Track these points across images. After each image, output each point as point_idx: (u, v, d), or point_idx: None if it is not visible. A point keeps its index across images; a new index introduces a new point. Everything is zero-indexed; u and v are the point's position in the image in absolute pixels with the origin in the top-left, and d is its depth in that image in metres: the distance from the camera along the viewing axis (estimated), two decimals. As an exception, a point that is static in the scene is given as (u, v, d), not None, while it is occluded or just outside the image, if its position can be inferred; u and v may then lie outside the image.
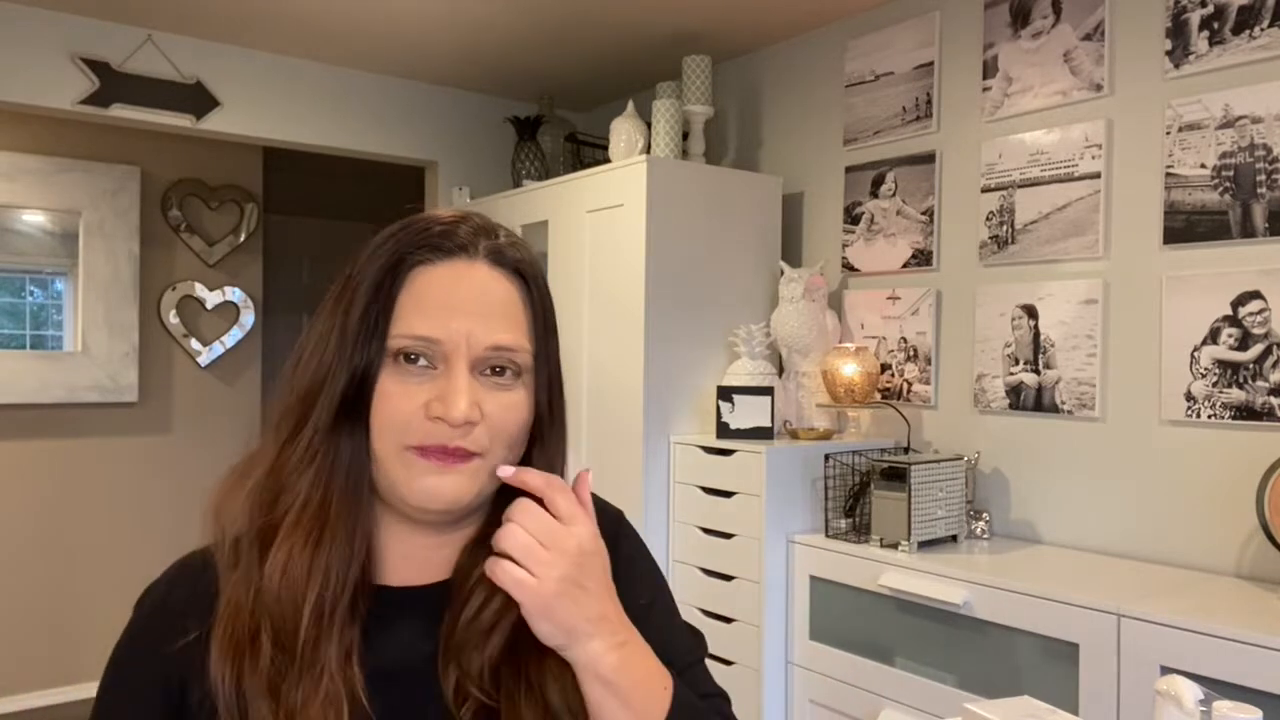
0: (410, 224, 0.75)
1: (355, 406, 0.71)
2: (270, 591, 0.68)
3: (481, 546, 0.75)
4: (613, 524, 0.86)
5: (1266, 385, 1.84)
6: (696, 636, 0.89)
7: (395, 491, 0.71)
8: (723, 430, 2.39)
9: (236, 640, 0.68)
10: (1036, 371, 2.23)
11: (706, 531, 2.40)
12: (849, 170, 2.71)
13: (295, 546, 0.69)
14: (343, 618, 0.69)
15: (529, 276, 0.76)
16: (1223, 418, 1.90)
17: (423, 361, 0.71)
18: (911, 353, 2.52)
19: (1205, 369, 1.93)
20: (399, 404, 0.70)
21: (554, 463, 0.78)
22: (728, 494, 2.33)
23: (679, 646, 0.84)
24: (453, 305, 0.71)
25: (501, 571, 0.68)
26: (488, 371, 0.72)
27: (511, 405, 0.73)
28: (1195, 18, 1.96)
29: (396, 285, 0.72)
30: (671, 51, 3.03)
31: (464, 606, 0.73)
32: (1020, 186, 2.27)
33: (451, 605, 0.74)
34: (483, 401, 0.71)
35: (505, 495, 0.74)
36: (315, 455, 0.71)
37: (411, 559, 0.76)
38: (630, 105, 2.80)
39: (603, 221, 2.65)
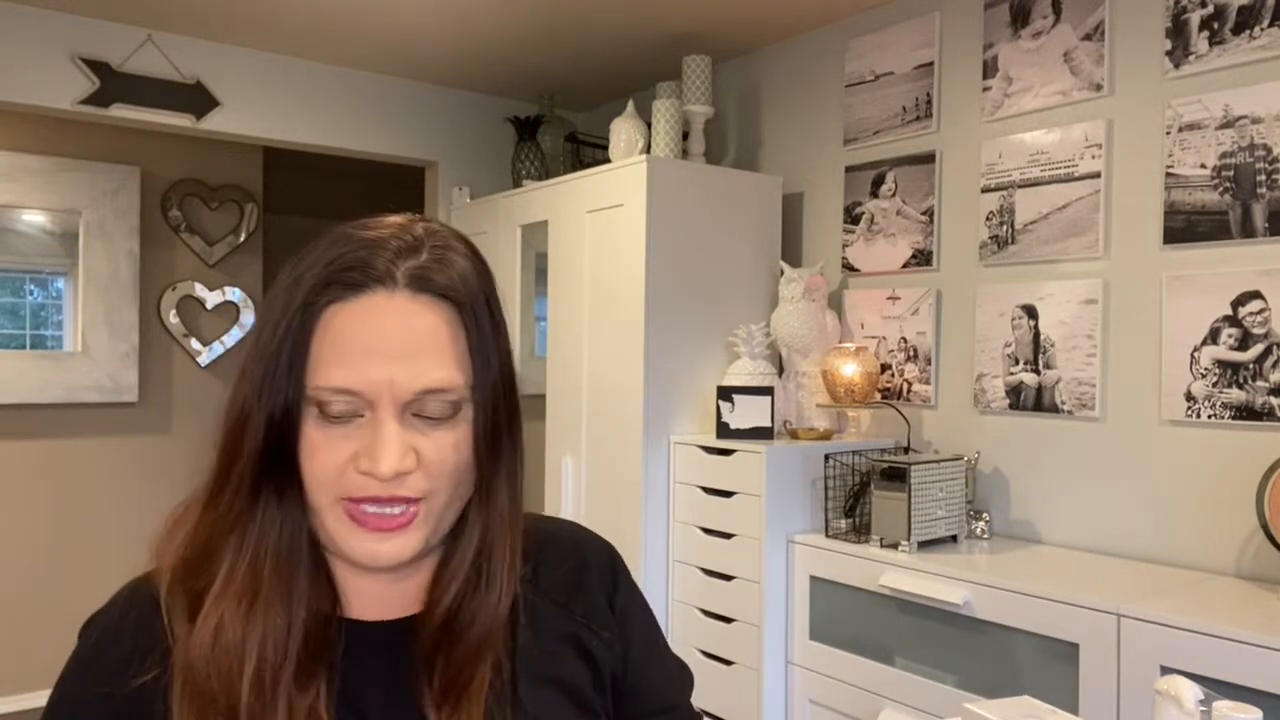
0: (324, 250, 0.67)
1: (280, 458, 0.66)
2: (200, 664, 0.64)
3: (451, 582, 0.72)
4: (609, 563, 0.86)
5: (1266, 385, 1.84)
6: (682, 676, 0.90)
7: (336, 548, 0.67)
8: (723, 430, 2.39)
9: (199, 699, 0.64)
10: (1036, 371, 2.23)
11: (706, 531, 2.40)
12: (849, 170, 2.71)
13: (226, 614, 0.64)
14: (288, 686, 0.65)
15: (458, 301, 0.67)
16: (1223, 418, 1.90)
17: (347, 412, 0.65)
18: (911, 353, 2.52)
19: (1205, 369, 1.93)
20: (326, 457, 0.65)
21: (496, 500, 0.72)
22: (728, 494, 2.33)
23: (666, 691, 0.86)
24: (371, 349, 0.64)
25: None
26: (420, 414, 0.66)
27: (450, 445, 0.67)
28: (1195, 18, 1.96)
29: (307, 329, 0.65)
30: (671, 51, 3.03)
31: (449, 647, 0.71)
32: (1020, 186, 2.27)
33: (423, 645, 0.71)
34: (419, 447, 0.66)
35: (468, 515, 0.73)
36: (240, 515, 0.66)
37: (375, 595, 0.73)
38: (630, 105, 2.80)
39: (603, 221, 2.65)
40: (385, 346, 0.64)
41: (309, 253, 0.68)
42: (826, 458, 2.26)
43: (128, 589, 0.71)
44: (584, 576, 0.83)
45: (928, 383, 2.47)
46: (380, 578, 0.73)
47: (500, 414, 0.71)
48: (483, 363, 0.69)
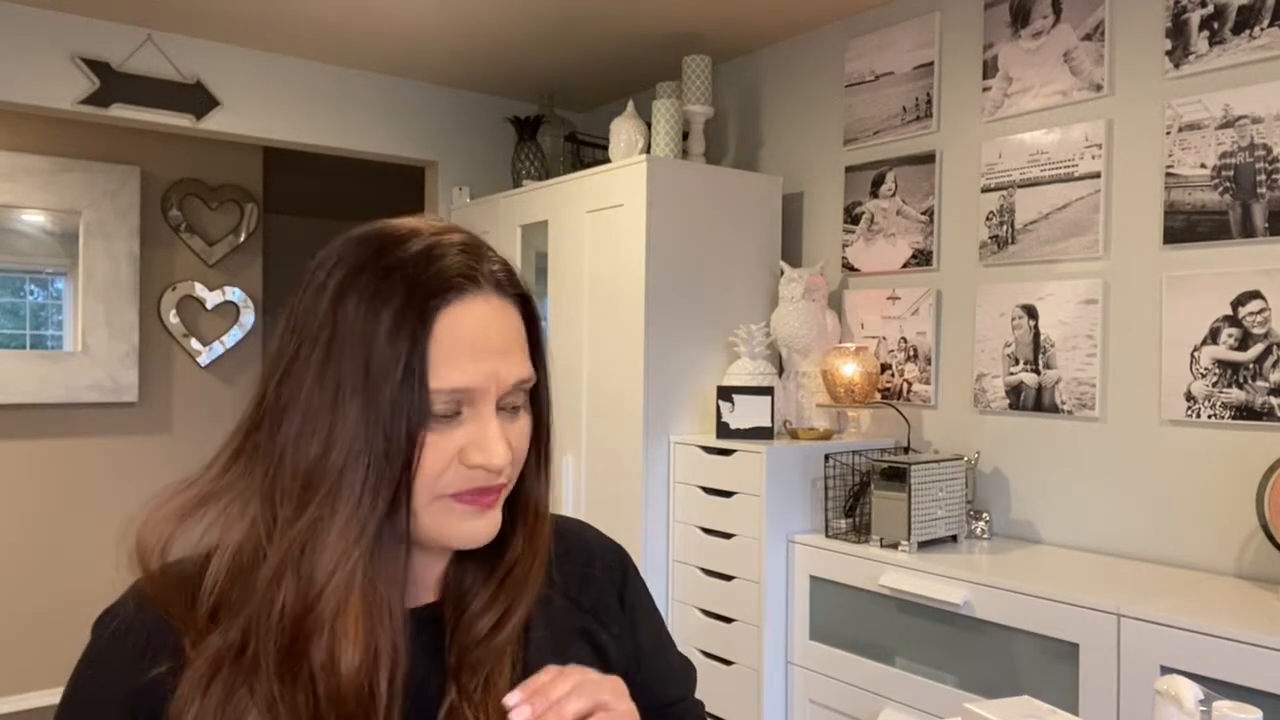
0: (403, 259, 0.67)
1: (408, 478, 0.67)
2: (342, 690, 0.64)
3: (465, 563, 0.75)
4: (619, 560, 0.89)
5: (1266, 385, 1.84)
6: (688, 670, 0.93)
7: (431, 536, 0.69)
8: (723, 430, 2.39)
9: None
10: (1036, 371, 2.22)
11: (706, 531, 2.40)
12: (849, 170, 2.71)
13: (354, 633, 0.64)
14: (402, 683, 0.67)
15: (529, 300, 0.73)
16: (1223, 418, 1.90)
17: (450, 408, 0.67)
18: (911, 353, 2.52)
19: (1205, 369, 1.93)
20: (434, 457, 0.66)
21: (544, 475, 0.78)
22: (728, 494, 2.33)
23: (675, 684, 0.90)
24: (477, 348, 0.67)
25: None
26: (505, 406, 0.70)
27: (524, 433, 0.73)
28: (1195, 18, 1.96)
29: (425, 336, 0.65)
30: (671, 51, 3.03)
31: (470, 625, 0.73)
32: (1020, 186, 2.27)
33: (457, 626, 0.73)
34: (509, 436, 0.70)
35: None
36: (361, 535, 0.64)
37: (408, 583, 0.74)
38: (630, 105, 2.80)
39: (603, 221, 2.65)
40: (489, 344, 0.68)
41: (380, 252, 0.67)
42: (826, 458, 2.26)
43: (136, 588, 0.71)
44: (594, 572, 0.85)
45: (928, 383, 2.47)
46: (428, 558, 0.75)
47: (550, 406, 0.77)
48: (542, 357, 0.75)
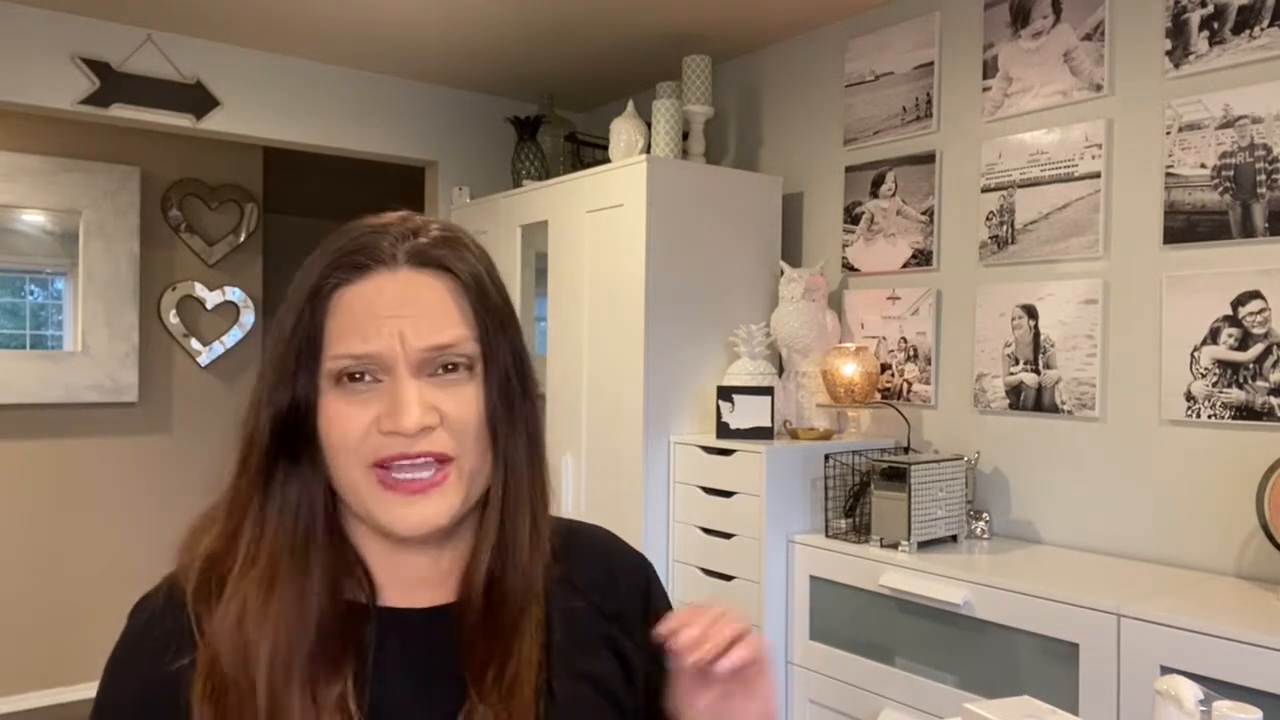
0: (329, 243, 0.72)
1: (294, 442, 0.69)
2: (225, 649, 0.66)
3: (480, 561, 0.74)
4: (644, 570, 0.89)
5: (1266, 385, 1.84)
6: None
7: (374, 521, 0.69)
8: (723, 430, 2.39)
9: (216, 690, 0.65)
10: (1036, 371, 2.23)
11: (706, 531, 2.40)
12: (849, 170, 2.71)
13: (248, 597, 0.67)
14: (307, 670, 0.66)
15: (457, 271, 0.71)
16: (1223, 418, 1.90)
17: (367, 379, 0.68)
18: (911, 353, 2.52)
19: (1205, 369, 1.93)
20: (348, 424, 0.67)
21: (515, 463, 0.74)
22: (728, 494, 2.33)
23: None
24: (380, 314, 0.68)
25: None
26: (438, 372, 0.69)
27: (467, 400, 0.70)
28: (1195, 18, 1.96)
29: (319, 312, 0.69)
30: (671, 51, 3.03)
31: (487, 629, 0.72)
32: (1020, 186, 2.27)
33: (463, 630, 0.73)
34: (439, 404, 0.68)
35: (486, 506, 0.74)
36: (250, 499, 0.69)
37: (411, 581, 0.74)
38: (630, 105, 2.80)
39: (603, 221, 2.65)
40: (393, 310, 0.68)
41: (316, 250, 0.73)
42: (826, 458, 2.26)
43: (171, 576, 0.73)
44: (616, 579, 0.85)
45: (928, 383, 2.47)
46: (418, 556, 0.74)
47: (514, 383, 0.73)
48: (492, 325, 0.71)
